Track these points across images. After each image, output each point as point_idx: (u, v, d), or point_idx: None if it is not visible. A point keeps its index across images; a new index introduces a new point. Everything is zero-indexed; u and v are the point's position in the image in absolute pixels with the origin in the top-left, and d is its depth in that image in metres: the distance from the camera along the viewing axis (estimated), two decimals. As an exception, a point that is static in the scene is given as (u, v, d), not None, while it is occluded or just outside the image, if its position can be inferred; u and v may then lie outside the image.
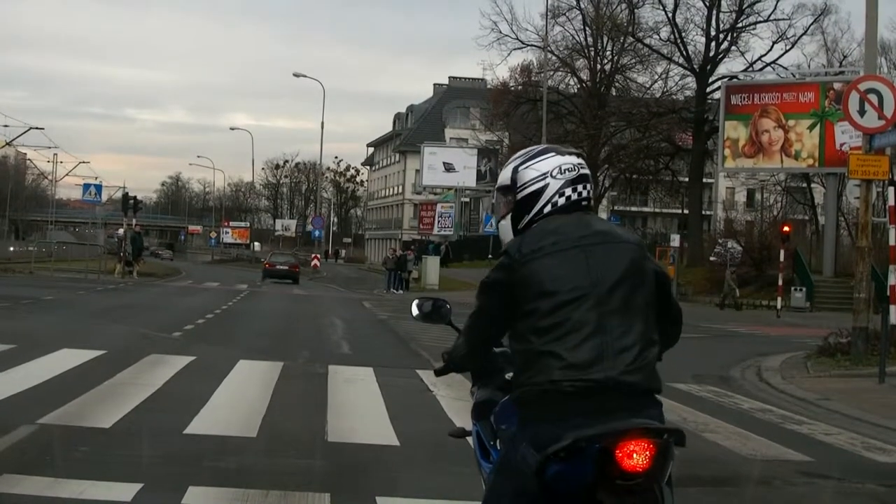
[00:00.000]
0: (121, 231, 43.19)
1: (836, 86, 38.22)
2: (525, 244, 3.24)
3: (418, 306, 4.16)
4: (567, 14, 50.45)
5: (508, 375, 3.56)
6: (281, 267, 45.05)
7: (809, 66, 47.72)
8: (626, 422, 2.99)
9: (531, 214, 3.33)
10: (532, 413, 3.13)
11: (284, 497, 5.65)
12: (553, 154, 3.38)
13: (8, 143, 63.77)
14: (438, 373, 3.80)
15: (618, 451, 2.92)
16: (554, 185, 3.31)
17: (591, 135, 49.91)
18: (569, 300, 3.14)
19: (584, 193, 3.34)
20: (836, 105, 35.68)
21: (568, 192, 3.32)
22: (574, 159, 3.36)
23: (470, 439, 4.02)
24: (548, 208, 3.31)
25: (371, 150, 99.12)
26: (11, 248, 53.90)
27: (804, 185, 51.54)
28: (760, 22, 47.85)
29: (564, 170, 3.33)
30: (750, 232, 44.43)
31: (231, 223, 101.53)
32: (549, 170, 3.33)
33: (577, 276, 3.16)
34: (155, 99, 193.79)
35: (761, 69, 47.86)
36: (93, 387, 9.38)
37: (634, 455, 2.92)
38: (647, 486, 2.96)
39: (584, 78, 52.49)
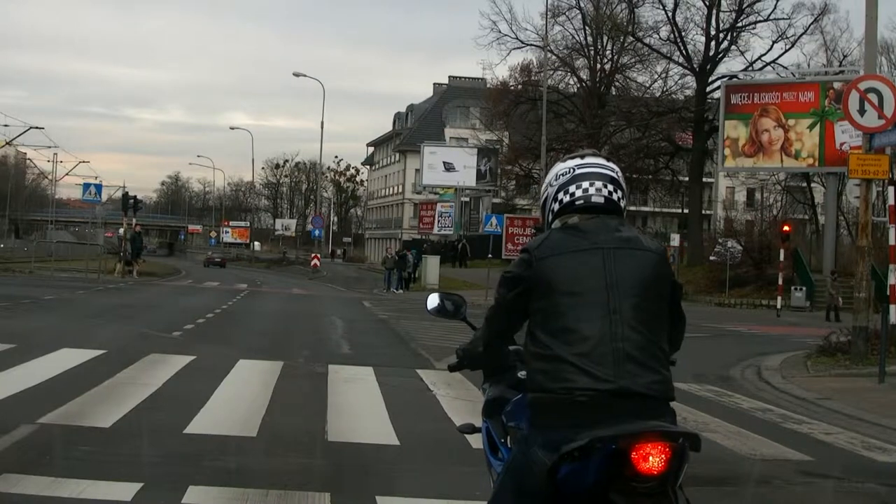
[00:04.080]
0: (121, 230, 43.15)
1: (836, 85, 38.23)
2: (545, 242, 3.29)
3: (434, 300, 4.17)
4: (567, 13, 50.55)
5: (521, 374, 3.58)
6: (216, 260, 72.58)
7: (809, 66, 47.73)
8: (643, 424, 3.00)
9: (549, 219, 3.43)
10: (546, 418, 3.14)
11: (284, 497, 5.65)
12: (558, 162, 3.49)
13: (8, 143, 63.76)
14: (452, 368, 3.85)
15: (633, 453, 2.92)
16: (551, 192, 3.42)
17: (590, 134, 49.88)
18: (583, 302, 3.16)
19: (579, 193, 3.35)
20: (836, 104, 35.70)
21: (560, 195, 3.39)
22: (572, 162, 3.42)
23: (478, 435, 4.02)
24: (549, 216, 3.42)
25: (371, 149, 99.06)
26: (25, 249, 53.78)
27: (804, 184, 51.53)
28: (760, 21, 47.91)
29: (559, 175, 3.42)
30: (750, 231, 44.49)
31: (231, 223, 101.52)
32: (550, 179, 3.45)
33: (592, 279, 3.19)
34: (154, 98, 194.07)
35: (761, 69, 47.87)
36: (93, 386, 9.38)
37: (650, 457, 2.92)
38: (661, 489, 2.96)
39: (584, 77, 52.51)
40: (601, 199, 3.33)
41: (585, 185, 3.34)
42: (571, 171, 3.39)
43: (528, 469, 3.12)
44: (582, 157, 3.43)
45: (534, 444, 3.13)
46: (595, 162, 3.40)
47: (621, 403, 3.06)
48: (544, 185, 3.48)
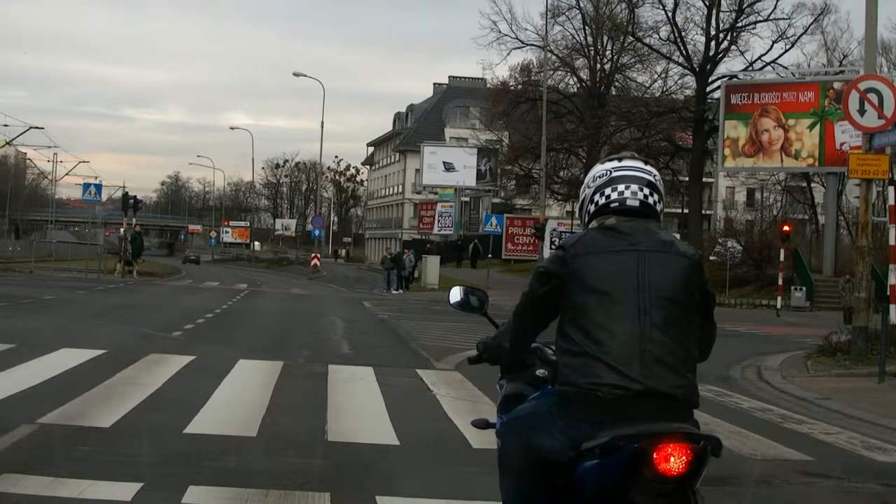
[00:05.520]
0: (121, 230, 43.08)
1: (836, 85, 38.23)
2: (581, 241, 3.32)
3: (457, 294, 4.16)
4: (567, 13, 50.52)
5: (539, 371, 3.58)
6: (192, 258, 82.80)
7: (809, 66, 47.73)
8: (666, 425, 3.01)
9: (586, 220, 3.45)
10: (570, 411, 3.16)
11: (284, 497, 5.65)
12: (597, 164, 3.52)
13: (8, 143, 63.71)
14: (472, 361, 3.86)
15: (655, 453, 2.92)
16: (588, 194, 3.44)
17: (590, 134, 49.92)
18: (614, 302, 3.17)
19: (614, 195, 3.36)
20: (836, 104, 35.69)
21: (596, 197, 3.41)
22: (610, 164, 3.44)
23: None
24: (586, 217, 3.44)
25: (371, 149, 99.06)
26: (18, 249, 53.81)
27: (804, 184, 51.53)
28: (760, 21, 47.84)
29: (596, 177, 3.44)
30: (750, 231, 44.50)
31: (231, 223, 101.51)
32: (588, 180, 3.48)
33: (625, 280, 3.20)
34: (154, 98, 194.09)
35: (761, 68, 47.84)
36: (93, 386, 9.38)
37: (672, 458, 2.92)
38: (681, 490, 2.97)
39: (584, 77, 52.50)
40: (636, 203, 3.35)
41: (621, 187, 3.36)
42: (608, 173, 3.40)
43: (544, 433, 3.16)
44: (620, 159, 3.45)
45: (559, 422, 3.16)
46: (632, 165, 3.41)
47: (646, 404, 3.07)
48: (582, 187, 3.51)
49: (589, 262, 3.23)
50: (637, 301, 3.17)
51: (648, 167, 3.43)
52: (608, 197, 3.37)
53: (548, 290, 3.33)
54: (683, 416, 3.13)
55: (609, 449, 2.96)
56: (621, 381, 3.08)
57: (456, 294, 4.16)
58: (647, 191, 3.37)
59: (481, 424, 4.27)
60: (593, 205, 3.41)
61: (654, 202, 3.38)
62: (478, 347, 3.75)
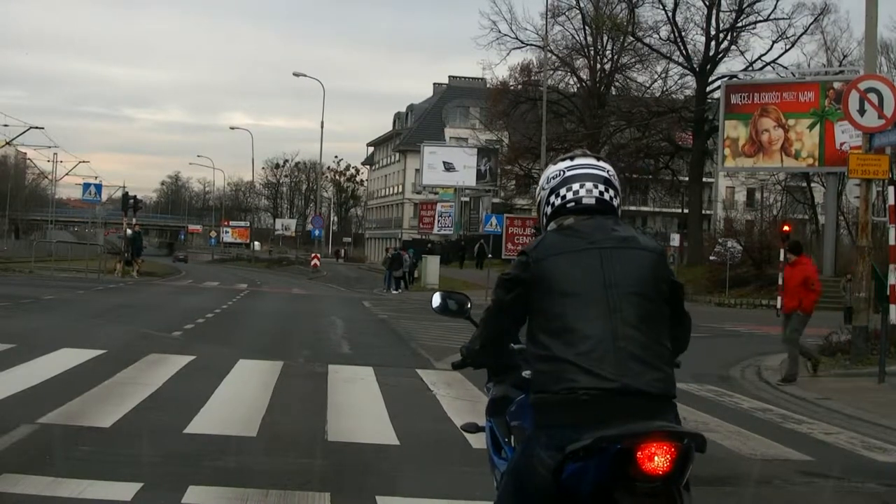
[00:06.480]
0: (127, 231, 42.97)
1: (836, 85, 38.21)
2: (542, 244, 3.29)
3: (437, 299, 4.18)
4: (567, 13, 50.54)
5: (525, 373, 3.58)
6: (181, 257, 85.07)
7: (809, 66, 47.73)
8: (648, 424, 2.99)
9: (544, 222, 3.43)
10: (549, 418, 3.13)
11: (284, 497, 5.65)
12: (549, 164, 3.50)
13: (8, 143, 63.75)
14: (456, 366, 3.84)
15: (639, 453, 2.91)
16: (544, 196, 3.43)
17: (590, 134, 49.90)
18: (582, 302, 3.15)
19: (570, 195, 3.34)
20: (836, 104, 35.67)
21: (552, 198, 3.39)
22: (563, 164, 3.42)
23: (479, 435, 4.01)
24: (544, 219, 3.42)
25: (371, 149, 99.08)
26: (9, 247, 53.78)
27: (804, 184, 51.50)
28: (760, 21, 47.91)
29: (550, 178, 3.42)
30: (750, 231, 44.45)
31: (231, 223, 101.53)
32: (542, 182, 3.46)
33: (591, 279, 3.18)
34: (154, 98, 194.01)
35: (761, 68, 47.87)
36: (93, 386, 9.39)
37: (655, 457, 2.91)
38: (666, 489, 2.96)
39: (584, 77, 52.50)
40: (592, 200, 3.33)
41: (576, 186, 3.35)
42: (562, 173, 3.39)
43: (532, 470, 3.12)
44: (572, 158, 3.43)
45: (537, 445, 3.12)
46: (586, 163, 3.39)
47: (624, 402, 3.05)
48: (538, 189, 3.49)
49: (553, 264, 3.21)
50: (606, 299, 3.15)
51: (602, 163, 3.40)
52: (564, 197, 3.35)
53: (514, 297, 3.30)
54: (664, 411, 3.11)
55: (593, 450, 2.95)
56: (597, 383, 3.05)
57: (436, 299, 4.20)
58: (602, 187, 3.35)
59: (471, 429, 4.26)
60: (549, 206, 3.39)
61: (611, 198, 3.36)
62: (461, 352, 3.73)
